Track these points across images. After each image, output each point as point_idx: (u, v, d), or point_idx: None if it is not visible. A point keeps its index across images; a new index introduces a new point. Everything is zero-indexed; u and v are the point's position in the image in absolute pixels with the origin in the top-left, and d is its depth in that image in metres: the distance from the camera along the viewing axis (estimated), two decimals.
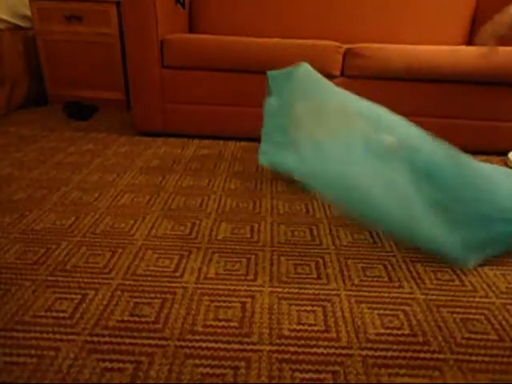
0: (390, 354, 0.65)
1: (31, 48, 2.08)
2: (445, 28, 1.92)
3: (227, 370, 0.61)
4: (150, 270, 0.83)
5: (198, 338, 0.67)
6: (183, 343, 0.65)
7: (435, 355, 0.65)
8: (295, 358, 0.64)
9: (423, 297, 0.79)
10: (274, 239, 0.97)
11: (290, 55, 1.49)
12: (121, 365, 0.61)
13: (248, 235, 0.98)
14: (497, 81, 1.47)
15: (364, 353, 0.65)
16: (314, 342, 0.67)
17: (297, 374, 0.61)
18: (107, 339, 0.66)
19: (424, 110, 1.55)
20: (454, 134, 1.57)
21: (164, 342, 0.65)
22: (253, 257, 0.89)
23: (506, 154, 1.59)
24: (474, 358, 0.65)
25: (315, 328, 0.70)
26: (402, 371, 0.62)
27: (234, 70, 1.55)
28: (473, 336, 0.70)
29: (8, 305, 0.72)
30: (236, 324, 0.70)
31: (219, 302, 0.75)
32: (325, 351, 0.65)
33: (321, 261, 0.89)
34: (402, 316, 0.74)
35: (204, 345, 0.65)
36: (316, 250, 0.93)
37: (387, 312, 0.74)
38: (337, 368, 0.62)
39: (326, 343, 0.67)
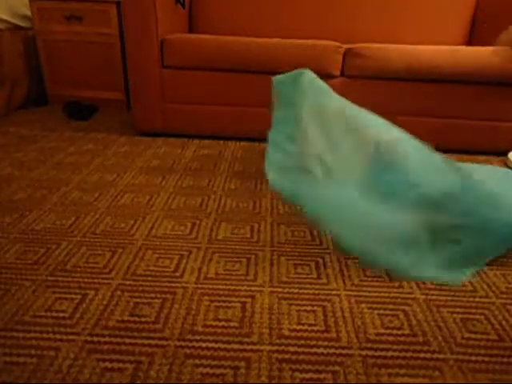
0: (389, 353, 0.65)
1: (31, 48, 2.08)
2: (445, 28, 1.92)
3: (227, 370, 0.61)
4: (150, 270, 0.83)
5: (197, 337, 0.67)
6: (183, 343, 0.65)
7: (435, 355, 0.65)
8: (295, 358, 0.64)
9: (423, 297, 0.79)
10: (273, 239, 0.97)
11: (289, 55, 1.49)
12: (121, 365, 0.61)
13: (248, 235, 0.98)
14: (497, 81, 1.47)
15: (364, 353, 0.65)
16: (313, 342, 0.67)
17: (297, 373, 0.61)
18: (107, 339, 0.66)
19: (424, 110, 1.55)
20: (453, 134, 1.57)
21: (164, 342, 0.65)
22: (253, 257, 0.89)
23: (505, 154, 1.59)
24: (473, 358, 0.65)
25: (315, 328, 0.70)
26: (402, 371, 0.62)
27: (233, 70, 1.54)
28: (473, 336, 0.70)
29: (8, 305, 0.72)
30: (236, 324, 0.70)
31: (219, 302, 0.75)
32: (325, 351, 0.65)
33: (321, 261, 0.89)
34: (401, 316, 0.74)
35: (204, 345, 0.65)
36: (316, 250, 0.93)
37: (387, 312, 0.74)
38: (337, 368, 0.62)
39: (325, 343, 0.67)
